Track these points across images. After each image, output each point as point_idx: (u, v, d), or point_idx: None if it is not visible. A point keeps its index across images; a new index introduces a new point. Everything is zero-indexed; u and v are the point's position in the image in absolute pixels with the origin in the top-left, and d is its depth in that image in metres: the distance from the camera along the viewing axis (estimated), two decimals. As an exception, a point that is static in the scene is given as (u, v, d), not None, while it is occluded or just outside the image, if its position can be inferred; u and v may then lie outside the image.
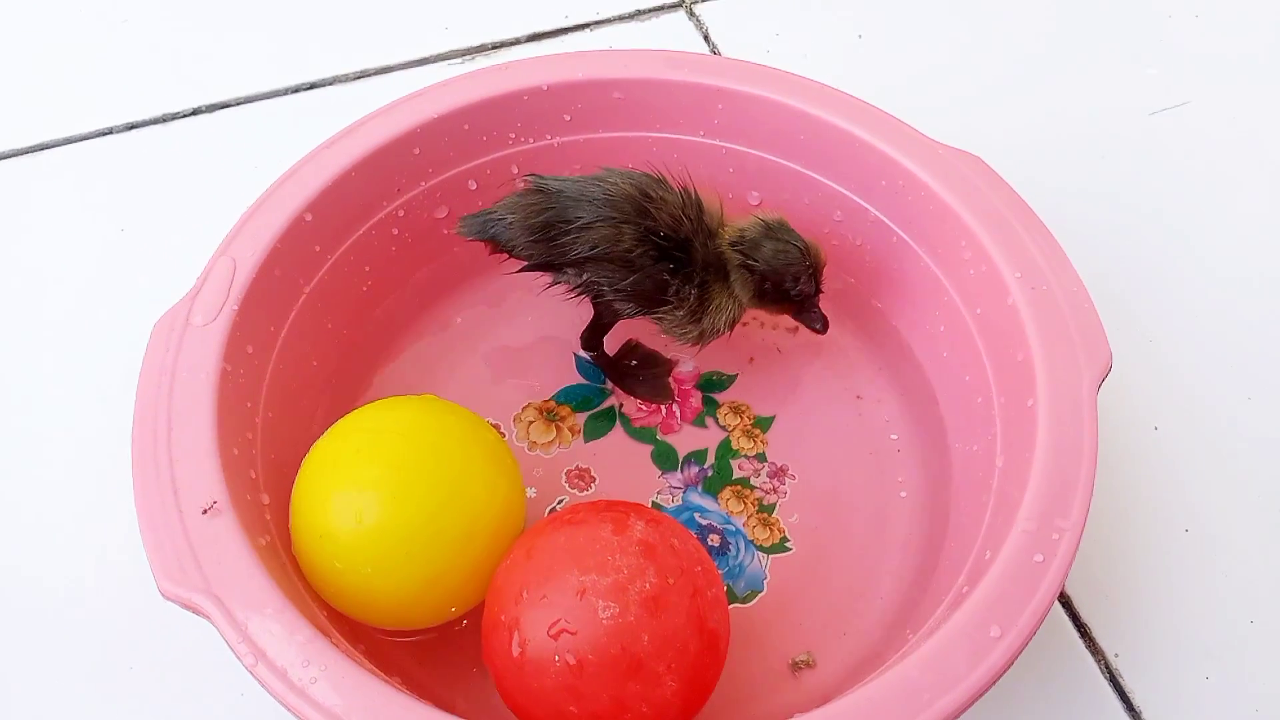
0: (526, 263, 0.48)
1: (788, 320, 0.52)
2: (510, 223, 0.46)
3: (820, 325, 0.50)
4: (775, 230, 0.48)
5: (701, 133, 0.53)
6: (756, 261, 0.47)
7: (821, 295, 0.50)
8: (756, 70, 0.52)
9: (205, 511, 0.38)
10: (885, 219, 0.51)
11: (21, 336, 0.56)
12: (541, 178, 0.47)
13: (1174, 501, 0.51)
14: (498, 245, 0.47)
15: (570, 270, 0.47)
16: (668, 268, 0.46)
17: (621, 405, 0.52)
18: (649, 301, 0.47)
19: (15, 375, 0.54)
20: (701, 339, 0.49)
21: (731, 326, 0.49)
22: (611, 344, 0.53)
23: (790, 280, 0.48)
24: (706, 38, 0.69)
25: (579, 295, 0.48)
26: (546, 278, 0.48)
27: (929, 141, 0.49)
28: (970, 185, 0.48)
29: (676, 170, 0.47)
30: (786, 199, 0.53)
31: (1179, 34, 0.70)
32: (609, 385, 0.53)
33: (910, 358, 0.52)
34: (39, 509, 0.50)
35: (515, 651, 0.37)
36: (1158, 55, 0.69)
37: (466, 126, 0.51)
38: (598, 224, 0.45)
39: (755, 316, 0.55)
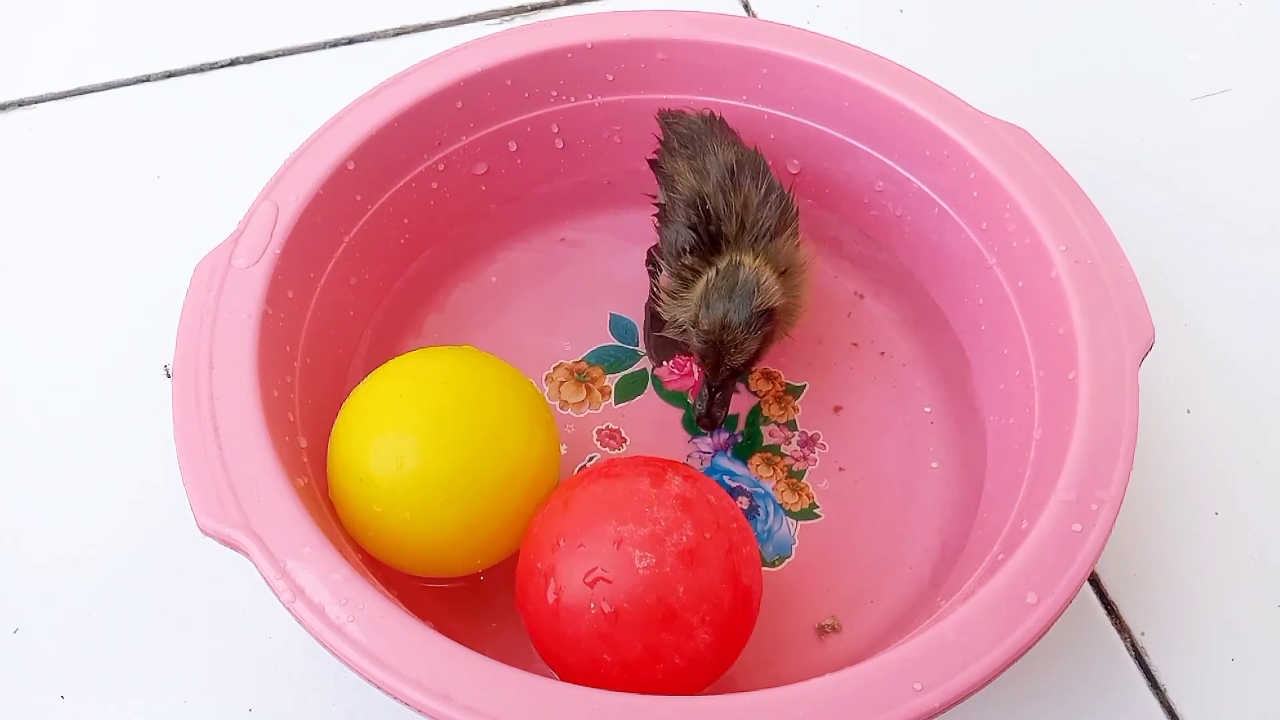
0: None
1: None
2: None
3: (701, 407, 0.47)
4: (735, 292, 0.44)
5: (744, 97, 0.53)
6: (685, 295, 0.46)
7: (730, 389, 0.47)
8: (802, 35, 0.52)
9: None
10: (928, 190, 0.51)
11: (56, 278, 0.56)
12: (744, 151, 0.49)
13: (1205, 484, 0.51)
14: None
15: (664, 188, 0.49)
16: (692, 238, 0.46)
17: (654, 368, 0.52)
18: (668, 251, 0.47)
19: (51, 317, 0.54)
20: (673, 329, 0.47)
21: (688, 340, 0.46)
22: None
23: (679, 333, 0.46)
24: (746, 6, 0.68)
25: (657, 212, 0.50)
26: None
27: (976, 113, 0.49)
28: (1016, 158, 0.47)
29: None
30: (827, 167, 0.53)
31: (1222, 21, 0.69)
32: (640, 348, 0.53)
33: (947, 329, 0.52)
34: (77, 447, 0.50)
35: (550, 598, 0.37)
36: (1200, 41, 0.68)
37: (509, 82, 0.51)
38: (688, 159, 0.48)
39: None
